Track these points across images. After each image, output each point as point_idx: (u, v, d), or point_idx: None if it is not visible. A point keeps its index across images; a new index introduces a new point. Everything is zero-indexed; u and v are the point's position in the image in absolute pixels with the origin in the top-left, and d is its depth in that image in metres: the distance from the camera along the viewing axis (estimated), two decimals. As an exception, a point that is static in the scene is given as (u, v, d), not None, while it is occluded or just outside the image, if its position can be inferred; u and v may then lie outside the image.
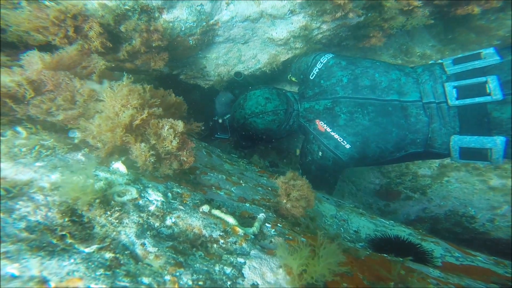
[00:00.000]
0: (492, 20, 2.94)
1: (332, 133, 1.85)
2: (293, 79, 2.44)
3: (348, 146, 1.83)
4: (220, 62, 2.03)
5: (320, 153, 1.93)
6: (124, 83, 0.97)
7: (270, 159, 2.49)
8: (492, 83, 1.60)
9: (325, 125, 1.87)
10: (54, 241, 0.63)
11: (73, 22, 1.24)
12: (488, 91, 1.62)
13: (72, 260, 0.62)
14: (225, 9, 1.74)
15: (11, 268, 0.54)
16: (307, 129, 2.00)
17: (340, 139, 1.84)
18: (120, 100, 0.93)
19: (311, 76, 2.04)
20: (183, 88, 2.32)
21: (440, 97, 1.76)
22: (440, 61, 2.04)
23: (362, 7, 2.06)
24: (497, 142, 1.61)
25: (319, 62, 2.05)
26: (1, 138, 0.77)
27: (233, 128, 2.21)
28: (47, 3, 1.20)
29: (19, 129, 0.82)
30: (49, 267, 0.57)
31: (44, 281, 0.55)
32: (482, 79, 1.64)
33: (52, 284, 0.55)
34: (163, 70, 1.81)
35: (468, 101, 1.67)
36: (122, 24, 1.42)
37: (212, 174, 1.31)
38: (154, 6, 1.46)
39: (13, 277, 0.54)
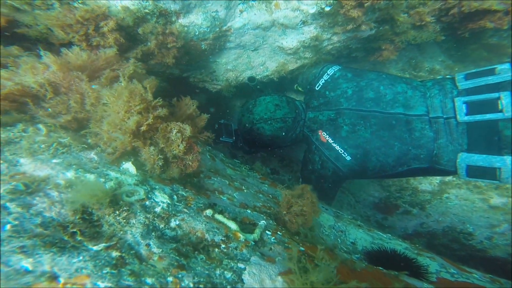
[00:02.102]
0: (504, 38, 2.94)
1: (334, 144, 1.84)
2: (300, 89, 2.43)
3: (348, 158, 1.82)
4: (229, 67, 2.07)
5: (320, 164, 1.93)
6: (123, 85, 0.98)
7: (271, 166, 2.51)
8: (505, 100, 1.54)
9: (327, 136, 1.87)
10: (66, 237, 0.66)
11: (95, 22, 1.28)
12: (500, 107, 1.55)
13: (81, 257, 0.64)
14: (239, 16, 1.77)
15: (26, 263, 0.57)
16: (310, 139, 2.00)
17: (341, 151, 1.83)
18: (123, 106, 0.95)
19: (317, 87, 2.05)
20: (191, 90, 2.36)
21: (449, 112, 1.71)
22: (449, 76, 2.02)
23: (375, 20, 2.09)
24: (507, 162, 1.54)
25: (326, 73, 2.06)
26: (24, 134, 0.81)
27: (238, 132, 2.21)
28: (76, 4, 1.25)
29: (40, 126, 0.86)
30: (59, 263, 0.60)
31: (54, 276, 0.58)
32: (495, 95, 1.58)
33: (62, 280, 0.58)
34: (174, 72, 1.85)
35: (478, 117, 1.61)
36: (140, 26, 1.46)
37: (215, 179, 1.34)
38: (172, 11, 1.50)
39: (27, 271, 0.56)
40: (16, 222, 0.62)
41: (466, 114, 1.65)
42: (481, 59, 3.07)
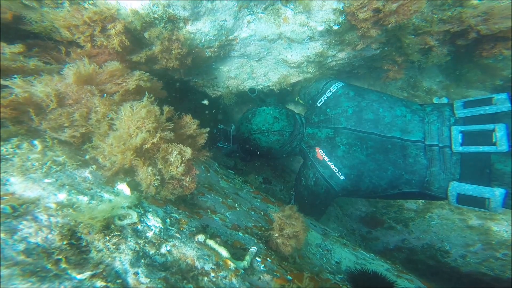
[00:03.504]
0: (500, 60, 2.96)
1: (329, 163, 1.83)
2: (301, 101, 2.42)
3: (342, 177, 1.81)
4: (231, 75, 2.02)
5: (314, 180, 1.91)
6: (144, 103, 0.96)
7: (264, 175, 2.49)
8: (499, 132, 1.53)
9: (324, 154, 1.85)
10: (49, 266, 0.63)
11: (102, 24, 1.23)
12: (494, 140, 1.53)
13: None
14: (246, 27, 1.73)
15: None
16: (306, 154, 1.98)
17: (335, 170, 1.81)
18: (136, 122, 0.92)
19: (319, 103, 2.02)
20: (191, 94, 2.30)
21: (445, 141, 1.70)
22: (443, 101, 2.04)
23: (380, 41, 2.08)
24: (495, 193, 1.55)
25: (329, 90, 2.02)
26: (17, 151, 0.76)
27: (236, 139, 2.19)
28: (86, 5, 1.19)
29: (36, 142, 0.81)
30: (53, 277, 0.57)
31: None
32: (490, 126, 1.57)
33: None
34: (175, 76, 1.79)
35: (472, 149, 1.60)
36: (147, 30, 1.40)
37: (209, 196, 1.31)
38: (181, 17, 1.45)
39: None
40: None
41: (461, 145, 1.65)
42: (476, 80, 3.09)
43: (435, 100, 2.61)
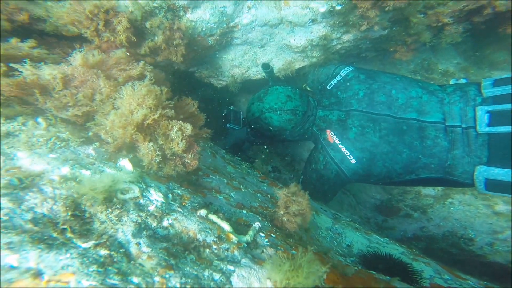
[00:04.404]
0: None
1: (340, 146, 1.77)
2: (308, 88, 2.37)
3: (353, 161, 1.74)
4: (235, 64, 2.02)
5: (324, 164, 1.87)
6: (145, 83, 0.99)
7: (273, 164, 2.48)
8: None
9: (335, 136, 1.80)
10: (55, 234, 0.66)
11: (104, 17, 1.26)
12: None
13: (68, 255, 0.64)
14: (247, 12, 1.72)
15: (11, 259, 0.57)
16: (317, 137, 1.94)
17: (347, 153, 1.75)
18: (137, 99, 0.95)
19: (329, 87, 1.99)
20: (197, 85, 2.33)
21: (469, 122, 1.57)
22: (461, 82, 1.89)
23: (388, 20, 2.00)
24: None
25: (339, 74, 1.99)
26: (23, 127, 0.81)
27: (246, 122, 2.16)
28: None
29: (40, 120, 0.85)
30: (46, 260, 0.60)
31: (39, 273, 0.58)
32: None
33: (46, 277, 0.58)
34: (180, 67, 1.82)
35: (501, 129, 1.46)
36: (148, 20, 1.44)
37: (213, 177, 1.32)
38: (180, 5, 1.47)
39: (11, 267, 0.56)
40: (6, 218, 0.62)
41: (488, 125, 1.50)
42: (500, 62, 2.90)
43: (452, 82, 2.48)
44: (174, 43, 1.54)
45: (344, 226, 1.78)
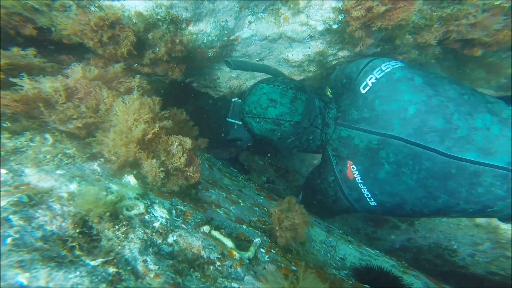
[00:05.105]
0: (503, 58, 2.93)
1: (361, 186, 1.39)
2: (330, 94, 1.92)
3: (373, 203, 1.42)
4: (233, 76, 2.07)
5: (334, 199, 1.56)
6: (135, 96, 1.01)
7: (267, 175, 2.51)
8: None
9: (358, 173, 1.39)
10: (64, 252, 0.66)
11: (108, 29, 1.28)
12: None
13: (77, 273, 0.65)
14: (247, 27, 1.78)
15: (22, 277, 0.57)
16: (330, 164, 1.52)
17: (367, 195, 1.40)
18: (132, 114, 0.97)
19: (363, 89, 1.44)
20: (194, 95, 2.36)
21: None
22: None
23: (380, 39, 2.11)
24: None
25: (379, 69, 1.44)
26: (31, 144, 0.81)
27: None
28: (92, 8, 1.25)
29: (47, 135, 0.86)
30: (55, 278, 0.61)
31: (54, 293, 0.59)
32: None
33: (62, 297, 0.59)
34: (178, 78, 1.85)
35: None
36: (151, 32, 1.46)
37: (212, 191, 1.34)
38: (183, 18, 1.50)
39: (22, 286, 0.57)
40: (17, 236, 0.62)
41: None
42: (479, 79, 3.10)
43: None
44: (173, 55, 1.56)
45: (337, 238, 1.84)
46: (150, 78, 1.88)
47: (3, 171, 0.73)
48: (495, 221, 3.06)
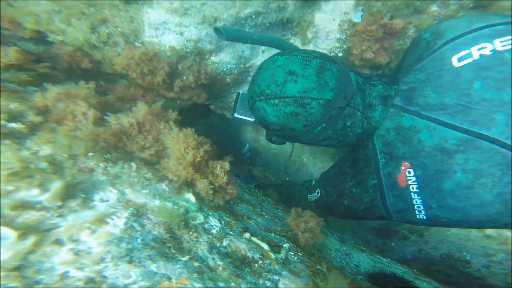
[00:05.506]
0: None
1: (414, 197, 1.22)
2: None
3: (421, 217, 1.25)
4: (247, 98, 2.53)
5: (368, 207, 1.43)
6: (177, 129, 1.42)
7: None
8: None
9: (414, 179, 1.21)
10: (167, 250, 1.07)
11: (149, 62, 1.72)
12: None
13: (178, 265, 1.05)
14: (261, 55, 2.24)
15: (153, 267, 0.97)
16: (375, 166, 1.34)
17: (417, 208, 1.23)
18: (183, 144, 1.39)
19: (458, 60, 1.19)
20: (204, 113, 2.79)
21: None
22: None
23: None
24: None
25: (487, 38, 1.16)
26: (124, 170, 1.22)
27: None
28: (137, 44, 1.70)
29: (132, 163, 1.26)
30: (169, 268, 1.01)
31: (168, 277, 0.99)
32: None
33: (174, 280, 0.99)
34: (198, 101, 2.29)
35: None
36: (181, 62, 1.90)
37: (242, 205, 1.76)
38: (207, 50, 1.95)
39: (153, 273, 0.97)
40: (142, 238, 1.02)
41: None
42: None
43: None
44: (198, 83, 2.01)
45: (350, 247, 2.27)
46: (174, 101, 2.31)
47: (114, 191, 1.13)
48: (506, 232, 3.48)
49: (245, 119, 1.79)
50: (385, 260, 2.36)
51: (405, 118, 1.27)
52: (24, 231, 0.85)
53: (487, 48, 1.14)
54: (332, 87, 1.28)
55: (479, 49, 1.15)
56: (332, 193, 1.67)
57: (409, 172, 1.22)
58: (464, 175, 1.11)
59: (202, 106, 2.46)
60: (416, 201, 1.22)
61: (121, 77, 2.00)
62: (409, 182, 1.22)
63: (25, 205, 0.92)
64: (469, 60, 1.16)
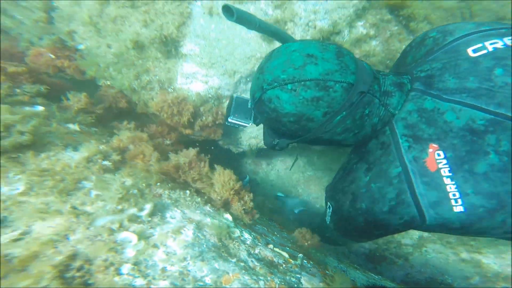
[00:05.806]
0: None
1: (448, 181, 1.23)
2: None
3: (459, 209, 1.23)
4: (252, 136, 3.15)
5: (394, 205, 1.34)
6: (219, 170, 2.01)
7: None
8: None
9: (446, 162, 1.23)
10: (222, 253, 1.61)
11: (179, 105, 2.32)
12: None
13: (231, 264, 1.58)
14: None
15: (217, 265, 1.50)
16: (397, 151, 1.34)
17: (453, 196, 1.23)
18: (224, 177, 1.97)
19: (473, 51, 1.32)
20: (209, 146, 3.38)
21: None
22: None
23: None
24: None
25: (498, 36, 1.31)
26: (181, 196, 1.76)
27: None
28: (170, 90, 2.30)
29: (187, 191, 1.80)
30: (226, 266, 1.52)
31: (227, 272, 1.52)
32: None
33: (230, 274, 1.52)
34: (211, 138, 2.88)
35: None
36: (203, 106, 2.51)
37: (258, 226, 2.31)
38: (225, 95, 2.59)
39: (217, 269, 1.50)
40: (205, 244, 1.55)
41: None
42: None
43: None
44: (216, 122, 2.62)
45: (346, 265, 2.85)
46: (188, 138, 2.88)
47: (178, 211, 1.65)
48: (477, 256, 4.11)
49: (240, 124, 1.88)
50: (377, 277, 2.96)
51: (427, 101, 1.33)
52: (138, 236, 1.36)
53: (498, 43, 1.28)
54: (353, 70, 1.31)
55: (491, 44, 1.29)
56: (343, 201, 1.60)
57: (439, 155, 1.24)
58: (497, 156, 1.16)
59: (212, 141, 3.05)
60: (451, 187, 1.23)
61: (146, 116, 2.57)
62: (440, 166, 1.24)
63: (131, 219, 1.42)
64: (484, 51, 1.28)
